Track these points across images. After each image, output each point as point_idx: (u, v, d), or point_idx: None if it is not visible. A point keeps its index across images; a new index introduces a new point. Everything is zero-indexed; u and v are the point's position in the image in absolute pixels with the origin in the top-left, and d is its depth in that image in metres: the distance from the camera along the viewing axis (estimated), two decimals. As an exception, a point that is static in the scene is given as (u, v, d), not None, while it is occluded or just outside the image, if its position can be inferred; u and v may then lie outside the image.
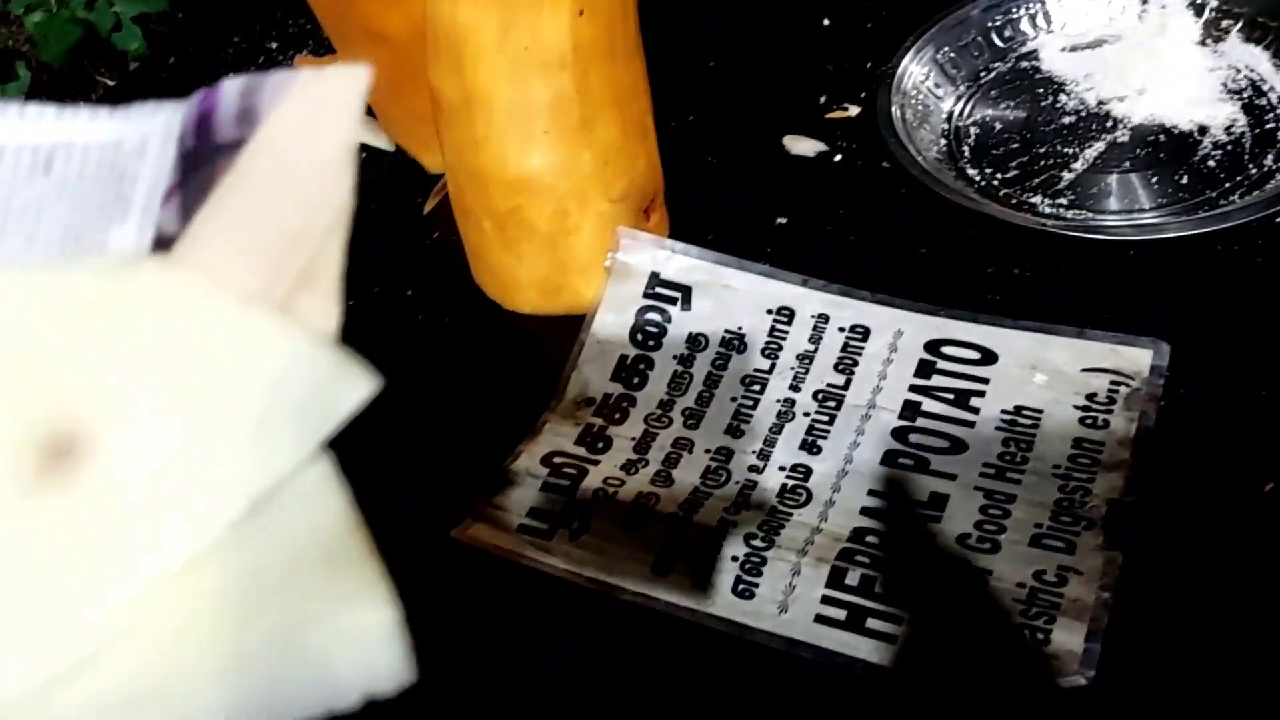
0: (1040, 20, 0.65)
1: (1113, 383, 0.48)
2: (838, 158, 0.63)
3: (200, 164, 0.26)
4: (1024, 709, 0.40)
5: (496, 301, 0.59)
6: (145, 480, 0.22)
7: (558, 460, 0.51)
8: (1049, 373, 0.50)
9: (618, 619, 0.45)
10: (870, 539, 0.46)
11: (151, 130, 0.26)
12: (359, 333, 0.64)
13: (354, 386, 0.23)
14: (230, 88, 0.26)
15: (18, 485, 0.22)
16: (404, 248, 0.64)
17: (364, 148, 0.72)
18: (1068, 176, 0.58)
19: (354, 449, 0.55)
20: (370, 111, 0.70)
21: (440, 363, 0.58)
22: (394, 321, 0.60)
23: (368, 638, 0.22)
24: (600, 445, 0.52)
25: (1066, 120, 0.61)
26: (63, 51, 1.39)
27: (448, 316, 0.60)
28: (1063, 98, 0.62)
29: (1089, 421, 0.48)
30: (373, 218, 0.68)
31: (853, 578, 0.44)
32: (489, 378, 0.57)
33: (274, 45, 0.81)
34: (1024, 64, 0.64)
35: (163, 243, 0.25)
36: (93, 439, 0.23)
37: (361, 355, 0.62)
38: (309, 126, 0.25)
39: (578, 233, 0.56)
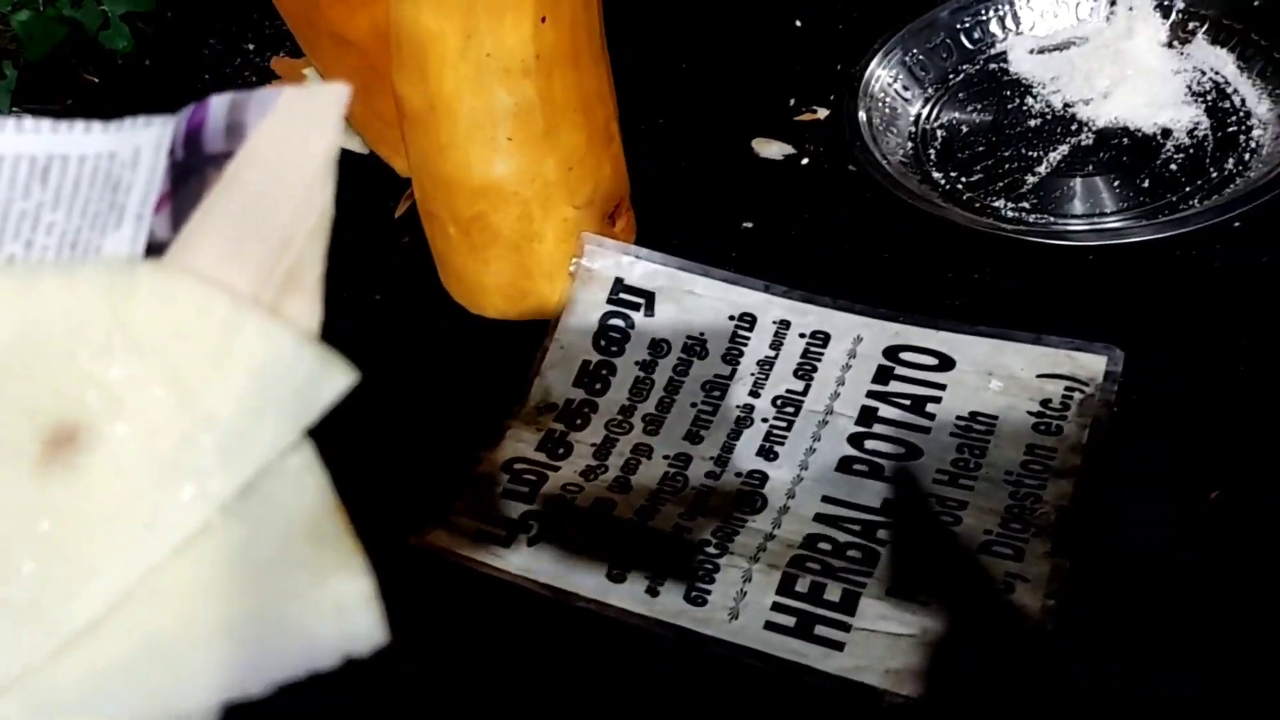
0: (1009, 22, 0.65)
1: (1067, 388, 0.49)
2: (805, 161, 0.63)
3: (190, 174, 0.27)
4: (970, 715, 0.40)
5: (464, 306, 0.59)
6: (143, 466, 0.25)
7: (518, 466, 0.52)
8: (1005, 379, 0.50)
9: (572, 625, 0.46)
10: (822, 545, 0.46)
11: (144, 142, 0.28)
12: (326, 336, 0.64)
13: (334, 379, 0.25)
14: (219, 103, 0.27)
15: (25, 470, 0.25)
16: (374, 252, 0.65)
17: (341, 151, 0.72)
18: (1031, 180, 0.58)
19: (318, 450, 0.56)
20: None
21: (406, 367, 0.58)
22: (362, 325, 0.61)
23: (346, 606, 0.24)
24: (561, 451, 0.52)
25: (1032, 123, 0.61)
26: (47, 49, 1.40)
27: (415, 321, 0.61)
28: (1029, 100, 0.62)
29: (1042, 428, 0.48)
30: (344, 221, 0.68)
31: (803, 585, 0.45)
32: (454, 383, 0.57)
33: (251, 47, 0.81)
34: (992, 66, 0.64)
35: (155, 248, 0.27)
36: (94, 428, 0.25)
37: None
38: (293, 140, 0.27)
39: (542, 239, 0.56)
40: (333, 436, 0.58)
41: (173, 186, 0.27)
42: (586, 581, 0.47)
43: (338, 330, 0.66)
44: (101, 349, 0.25)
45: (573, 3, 0.52)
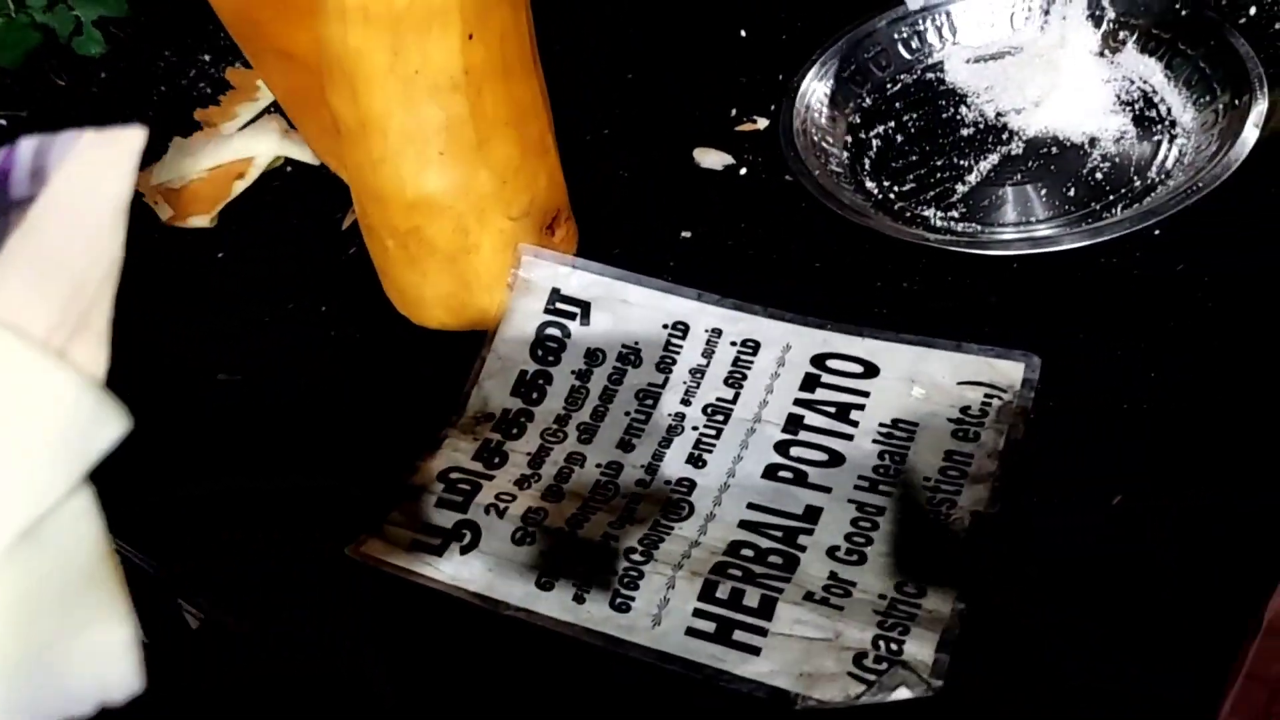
0: (946, 32, 0.66)
1: (986, 395, 0.50)
2: (743, 171, 0.64)
3: None
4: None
5: (406, 316, 0.60)
6: None
7: (454, 475, 0.52)
8: (927, 386, 0.51)
9: (501, 634, 0.47)
10: (745, 552, 0.47)
11: None
12: (271, 346, 0.65)
13: (111, 426, 0.26)
14: (25, 148, 0.28)
15: None
16: (320, 262, 0.66)
17: (289, 162, 0.73)
18: (961, 189, 0.59)
19: (258, 460, 0.56)
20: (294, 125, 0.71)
21: (347, 377, 0.59)
22: (306, 335, 0.62)
23: (105, 654, 0.25)
24: (496, 460, 0.53)
25: (965, 132, 0.62)
26: (20, 56, 1.40)
27: (359, 331, 0.61)
28: (963, 110, 0.63)
29: (960, 434, 0.49)
30: (293, 231, 0.69)
31: (723, 591, 0.46)
32: (394, 392, 0.58)
33: (206, 58, 0.82)
34: (929, 76, 0.65)
35: None
36: None
37: (272, 366, 0.63)
38: (88, 186, 0.27)
39: (478, 250, 0.57)
40: (275, 445, 0.59)
41: None
42: (515, 590, 0.48)
43: (281, 339, 0.67)
44: None
45: (502, 18, 0.53)
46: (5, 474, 0.25)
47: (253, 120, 0.76)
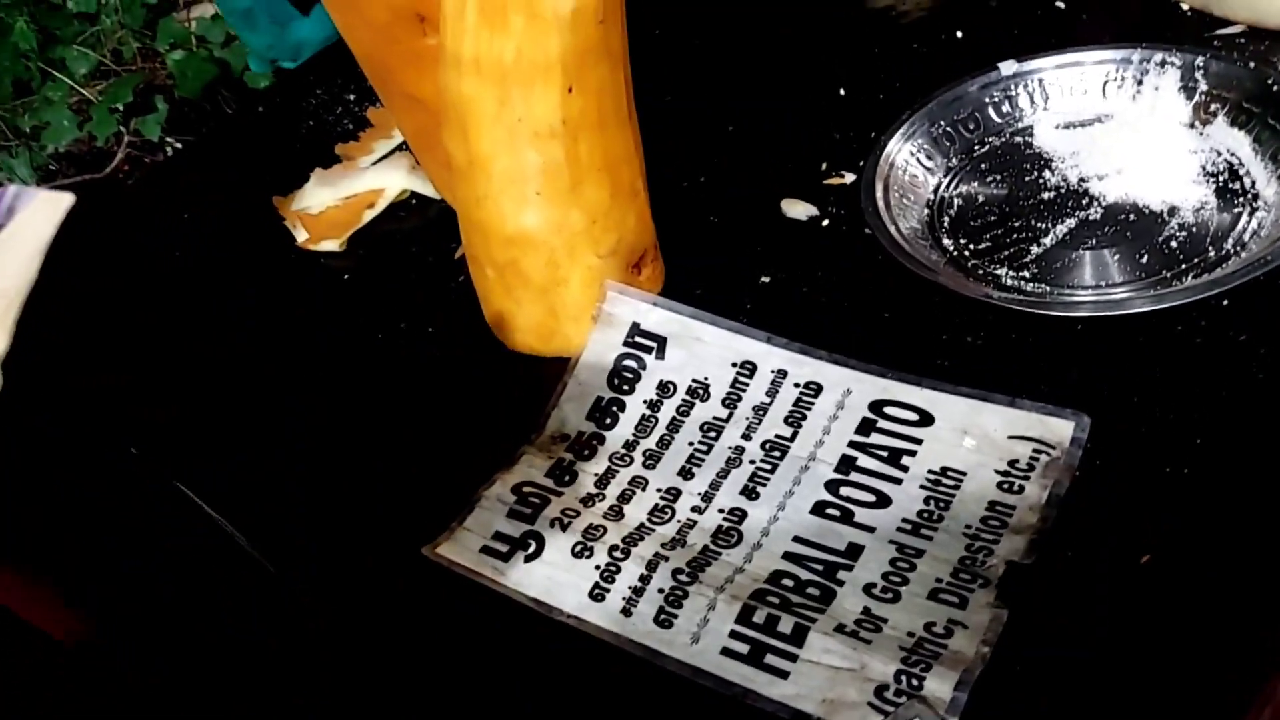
0: (1037, 98, 0.68)
1: (1035, 450, 0.51)
2: (826, 222, 0.67)
3: None
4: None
5: (500, 341, 0.65)
6: None
7: (526, 489, 0.57)
8: (978, 437, 0.53)
9: (555, 637, 0.51)
10: (785, 582, 0.50)
11: None
12: (381, 359, 0.71)
13: None
14: (11, 192, 0.42)
15: None
16: (432, 287, 0.71)
17: (414, 195, 0.79)
18: (1035, 250, 0.61)
19: (357, 460, 0.62)
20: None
21: (444, 392, 0.64)
22: (412, 352, 0.67)
23: None
24: (567, 478, 0.57)
25: (1046, 196, 0.63)
26: (199, 88, 1.54)
27: (458, 351, 0.67)
28: (1047, 174, 0.64)
29: (1006, 486, 0.51)
30: (411, 259, 0.76)
31: (759, 616, 0.48)
32: (483, 409, 0.63)
33: (351, 97, 0.90)
34: (1018, 139, 0.67)
35: None
36: None
37: (379, 378, 0.68)
38: (33, 225, 0.41)
39: (568, 284, 0.61)
40: (373, 448, 0.64)
41: None
42: (570, 599, 0.51)
43: (392, 354, 0.73)
44: None
45: (600, 75, 0.58)
46: None
47: (386, 156, 0.83)
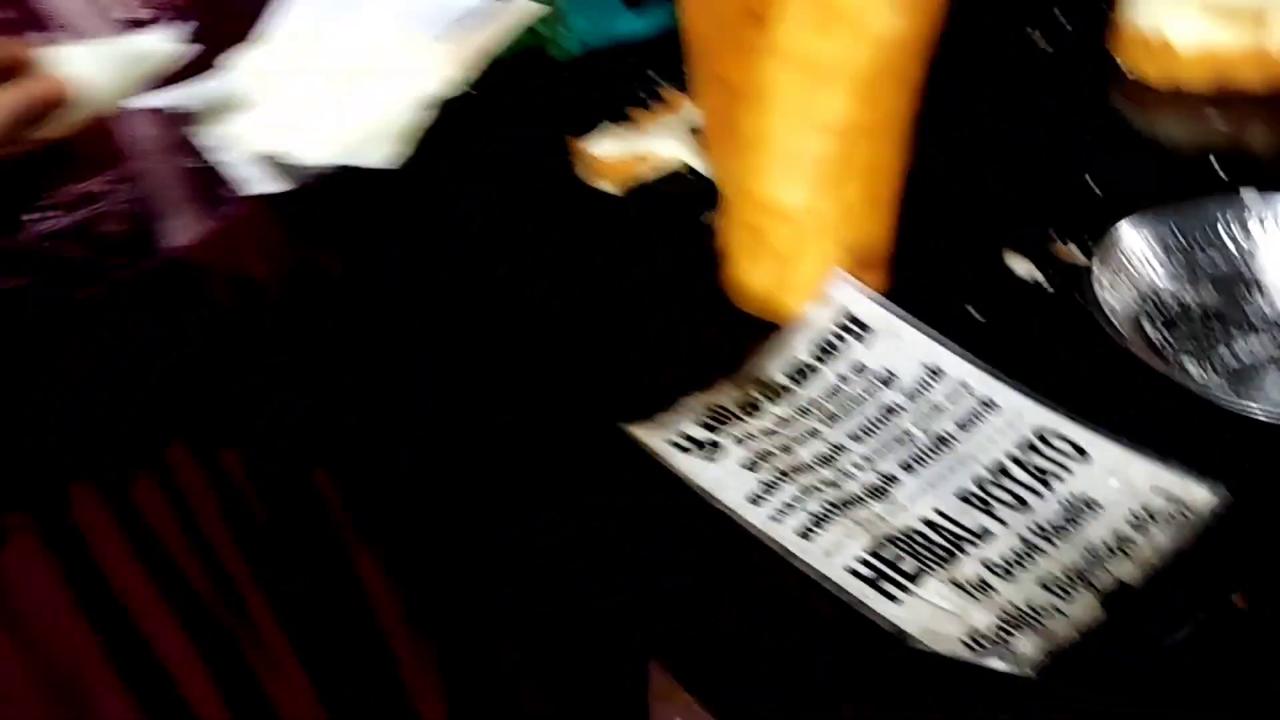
0: (1270, 225, 0.73)
1: (1171, 507, 0.57)
2: (1042, 282, 0.74)
3: None
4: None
5: (732, 300, 0.75)
6: None
7: (718, 408, 0.66)
8: (1124, 482, 0.59)
9: (712, 522, 0.60)
10: (916, 536, 0.57)
11: None
12: (633, 292, 0.82)
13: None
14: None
15: None
16: (687, 250, 0.82)
17: (690, 169, 0.91)
18: (1227, 355, 0.66)
19: (595, 356, 0.73)
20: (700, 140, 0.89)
21: (670, 328, 0.75)
22: (657, 296, 0.78)
23: None
24: (752, 410, 0.66)
25: (1250, 311, 0.69)
26: (508, 52, 1.73)
27: (691, 297, 0.77)
28: (1257, 294, 0.70)
29: (1135, 525, 0.56)
30: (673, 217, 0.87)
31: (888, 553, 0.56)
32: (708, 350, 0.72)
33: (651, 72, 1.02)
34: (1240, 256, 0.73)
35: None
36: None
37: (629, 309, 0.80)
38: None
39: (804, 261, 0.71)
40: (610, 347, 0.76)
41: None
42: (731, 496, 0.60)
43: (640, 293, 0.84)
44: None
45: (891, 93, 0.67)
46: None
47: (669, 131, 0.95)
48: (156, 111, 0.55)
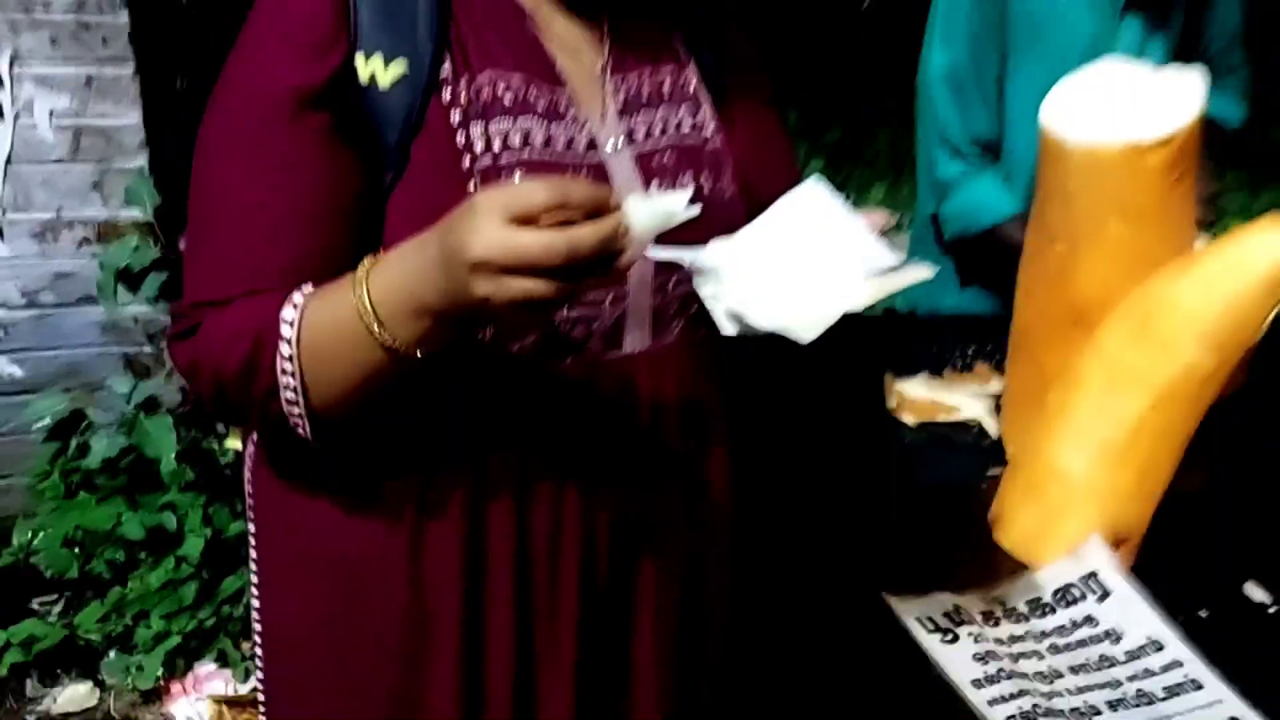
0: None
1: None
2: (1272, 608, 0.84)
3: None
4: None
5: (996, 534, 0.90)
6: None
7: (958, 606, 0.80)
8: None
9: (939, 685, 0.73)
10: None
11: None
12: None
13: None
14: None
15: None
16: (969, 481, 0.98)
17: (979, 426, 1.07)
18: None
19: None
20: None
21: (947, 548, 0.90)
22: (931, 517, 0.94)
23: None
24: (990, 621, 0.80)
25: None
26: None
27: (964, 531, 0.92)
28: None
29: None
30: (960, 459, 1.03)
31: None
32: (964, 564, 0.87)
33: (970, 350, 1.21)
34: None
35: None
36: None
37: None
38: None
39: (1067, 520, 0.85)
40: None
41: None
42: (962, 676, 0.74)
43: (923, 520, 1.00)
44: None
45: (1181, 407, 0.82)
46: None
47: (972, 394, 1.12)
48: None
